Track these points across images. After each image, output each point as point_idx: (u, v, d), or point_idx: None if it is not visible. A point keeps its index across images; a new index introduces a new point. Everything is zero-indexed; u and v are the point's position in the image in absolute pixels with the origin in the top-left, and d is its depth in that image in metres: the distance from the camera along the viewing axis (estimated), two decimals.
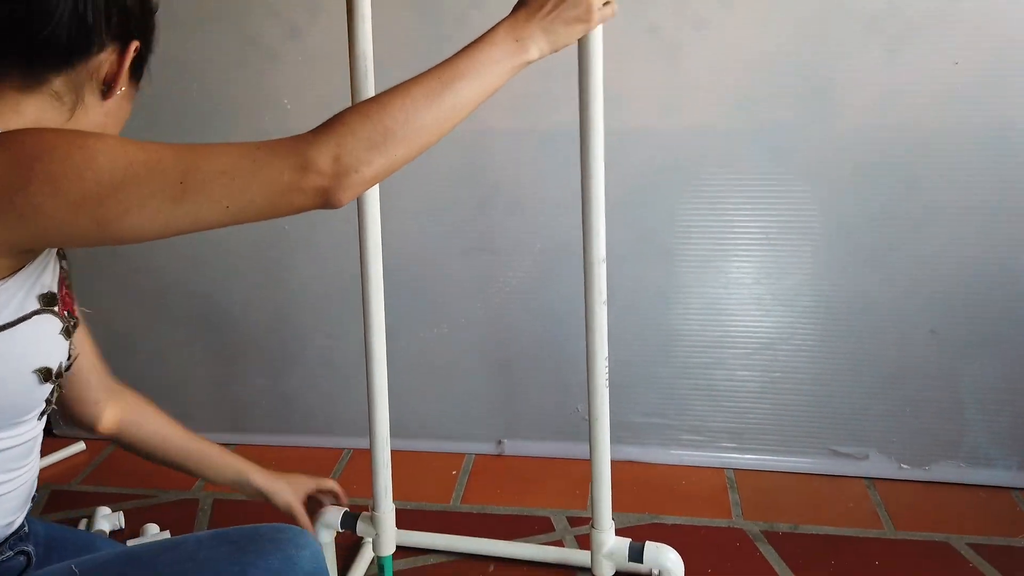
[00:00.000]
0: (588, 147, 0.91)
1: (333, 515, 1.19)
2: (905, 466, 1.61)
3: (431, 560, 1.41)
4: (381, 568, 1.20)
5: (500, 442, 1.74)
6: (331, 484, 1.22)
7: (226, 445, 1.21)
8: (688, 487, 1.61)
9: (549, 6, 0.74)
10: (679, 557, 1.07)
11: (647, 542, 1.07)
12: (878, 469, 1.61)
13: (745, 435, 1.65)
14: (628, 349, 1.61)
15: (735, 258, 1.55)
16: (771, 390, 1.62)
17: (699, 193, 1.52)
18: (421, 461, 1.73)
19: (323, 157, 0.64)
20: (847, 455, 1.62)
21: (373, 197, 1.04)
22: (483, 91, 0.72)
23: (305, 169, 0.63)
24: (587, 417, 1.04)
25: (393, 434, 1.78)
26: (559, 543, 1.45)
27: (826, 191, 1.49)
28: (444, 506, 1.58)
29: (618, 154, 1.35)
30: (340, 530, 1.19)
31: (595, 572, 1.09)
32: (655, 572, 1.31)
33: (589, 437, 1.03)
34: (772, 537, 1.45)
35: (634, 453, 1.69)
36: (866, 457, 1.62)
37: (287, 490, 1.13)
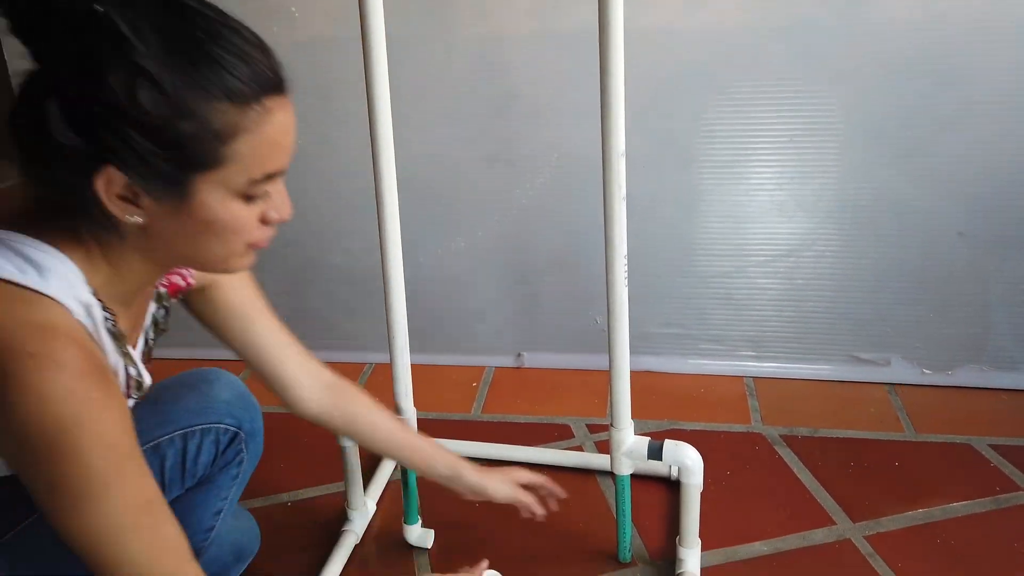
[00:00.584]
0: (607, 46, 0.88)
1: None
2: (928, 371, 1.60)
3: None
4: (404, 473, 1.22)
5: (519, 355, 1.75)
6: (540, 479, 1.14)
7: None
8: (707, 395, 1.61)
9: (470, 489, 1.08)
10: (698, 454, 1.07)
11: (666, 440, 1.07)
12: (900, 375, 1.60)
13: (765, 343, 1.65)
14: (647, 259, 1.59)
15: (758, 162, 1.51)
16: (792, 297, 1.60)
17: (724, 95, 1.47)
18: (441, 374, 1.74)
19: None
20: (869, 361, 1.61)
21: (384, 103, 1.01)
22: None
23: None
24: (606, 328, 1.03)
25: (413, 349, 1.79)
26: (579, 448, 1.47)
27: (853, 90, 1.43)
28: (465, 415, 1.60)
29: (639, 56, 1.30)
30: None
31: (614, 470, 1.10)
32: (674, 472, 1.33)
33: (608, 330, 1.02)
34: (791, 441, 1.45)
35: (653, 363, 1.69)
36: (888, 363, 1.61)
37: (505, 480, 1.09)
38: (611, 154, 0.93)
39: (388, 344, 1.17)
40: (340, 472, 1.26)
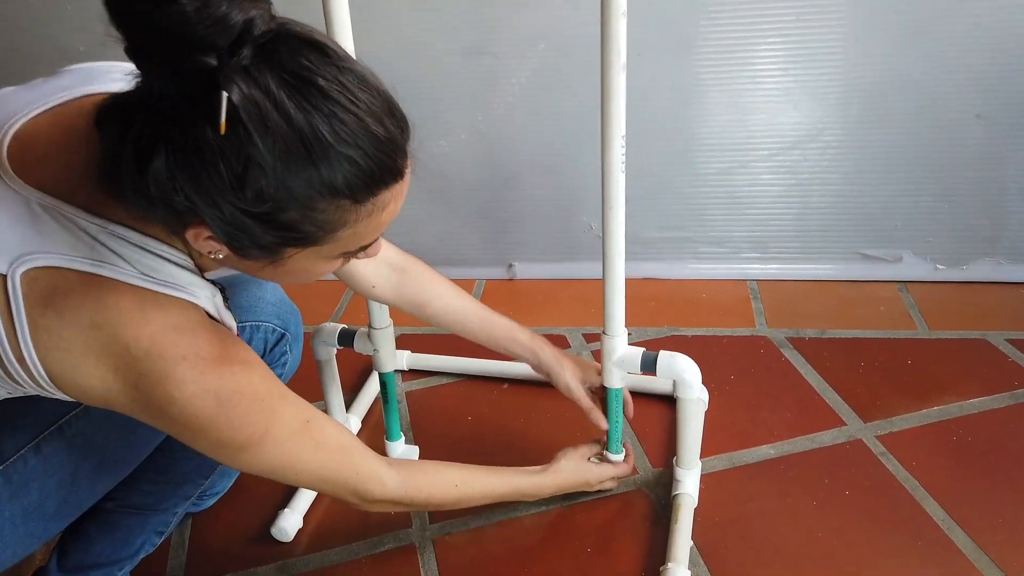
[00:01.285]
0: None
1: (329, 331, 1.13)
2: (941, 266, 1.51)
3: (444, 381, 1.37)
4: (384, 386, 1.15)
5: (511, 265, 1.66)
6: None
7: None
8: (709, 300, 1.53)
9: (563, 487, 1.04)
10: (695, 366, 0.99)
11: (661, 351, 0.99)
12: (912, 271, 1.52)
13: (769, 244, 1.56)
14: (642, 157, 1.48)
15: (763, 45, 1.38)
16: (797, 193, 1.51)
17: None
18: None
19: (379, 506, 0.84)
20: (878, 258, 1.53)
21: None
22: None
23: (360, 504, 0.81)
24: (600, 234, 0.94)
25: None
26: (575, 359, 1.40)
27: None
28: None
29: None
30: (338, 347, 1.14)
31: (604, 381, 1.03)
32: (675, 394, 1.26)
33: (602, 221, 0.93)
34: (798, 343, 1.38)
35: (651, 269, 1.60)
36: (899, 259, 1.52)
37: (572, 370, 1.05)
38: (611, 14, 0.81)
39: None
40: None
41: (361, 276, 0.96)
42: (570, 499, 1.09)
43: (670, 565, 0.95)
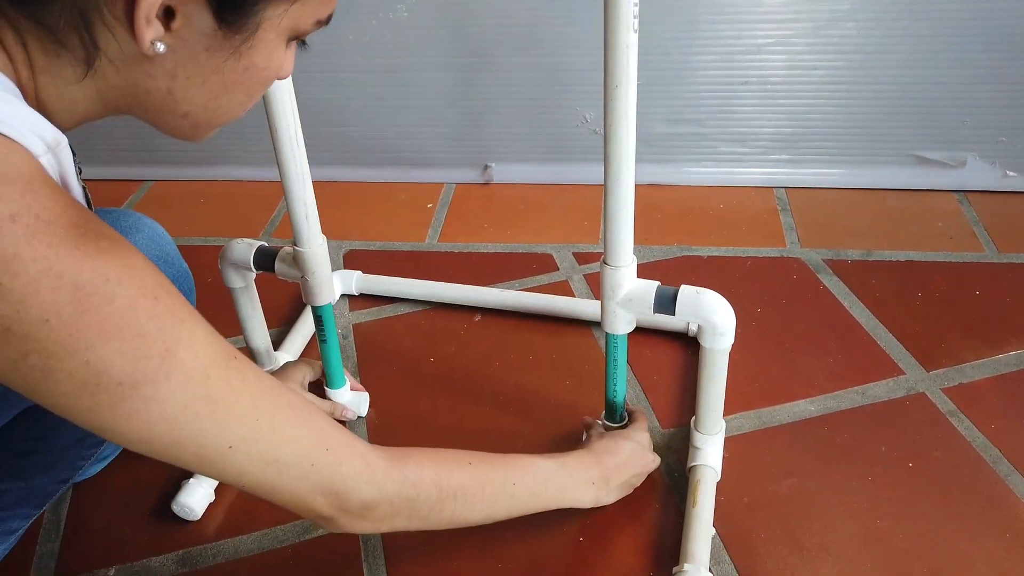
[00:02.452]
0: None
1: (241, 251, 0.85)
2: (1012, 173, 1.24)
3: (401, 310, 1.11)
4: (319, 321, 0.88)
5: (486, 167, 1.37)
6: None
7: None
8: (728, 212, 1.26)
9: (625, 475, 0.78)
10: (729, 309, 0.73)
11: (682, 287, 0.73)
12: (976, 179, 1.25)
13: (802, 143, 1.27)
14: (651, 34, 1.18)
15: None
16: (844, 79, 1.21)
17: None
18: (387, 194, 1.37)
19: (369, 524, 0.59)
20: (938, 163, 1.25)
21: None
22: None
23: (338, 519, 0.57)
24: (599, 129, 0.65)
25: (347, 163, 1.42)
26: (564, 285, 1.14)
27: None
28: (418, 245, 1.25)
29: None
30: (254, 271, 0.86)
31: (606, 327, 0.77)
32: (692, 328, 1.00)
33: (604, 117, 0.65)
34: (838, 266, 1.12)
35: (658, 173, 1.32)
36: (963, 164, 1.25)
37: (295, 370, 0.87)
38: None
39: (276, 160, 0.78)
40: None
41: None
42: None
43: (687, 568, 0.72)
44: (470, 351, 1.03)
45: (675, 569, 0.73)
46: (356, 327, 1.08)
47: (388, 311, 1.11)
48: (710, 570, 0.73)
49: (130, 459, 0.89)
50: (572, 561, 0.77)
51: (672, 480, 0.84)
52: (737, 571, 0.75)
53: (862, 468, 0.84)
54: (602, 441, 0.79)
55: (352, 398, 0.94)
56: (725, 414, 0.90)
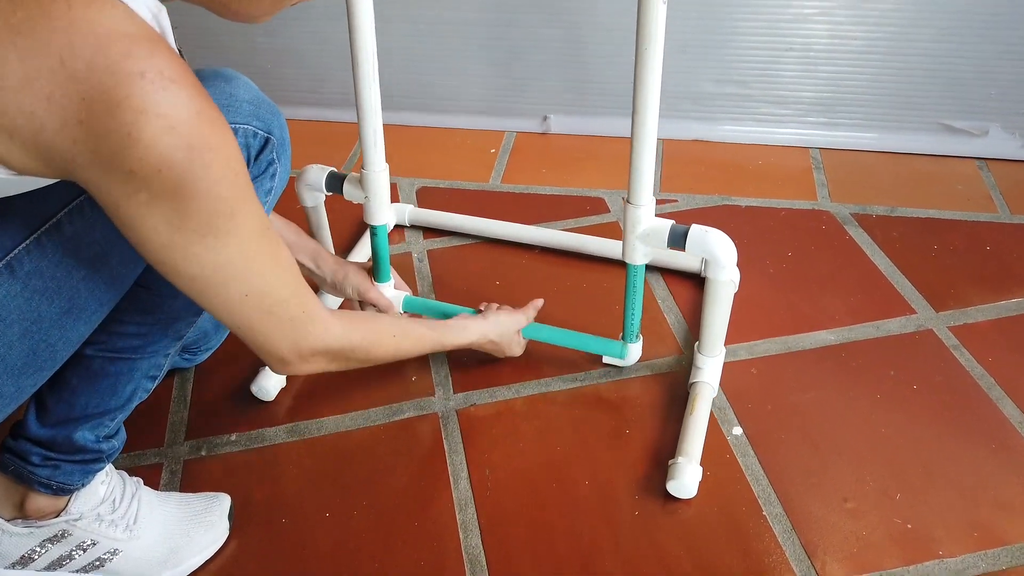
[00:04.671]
0: None
1: (315, 173, 1.00)
2: None
3: (467, 241, 1.24)
4: (374, 237, 1.01)
5: (546, 118, 1.49)
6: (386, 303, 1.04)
7: None
8: (766, 168, 1.38)
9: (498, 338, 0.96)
10: (731, 245, 0.85)
11: (693, 225, 0.85)
12: (997, 147, 1.36)
13: (838, 107, 1.38)
14: (703, 0, 1.29)
15: None
16: (881, 49, 1.32)
17: None
18: (454, 139, 1.50)
19: (310, 365, 0.70)
20: (962, 131, 1.36)
21: None
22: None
23: (291, 360, 0.67)
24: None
25: (415, 108, 1.55)
26: (614, 226, 1.27)
27: None
28: (482, 184, 1.38)
29: None
30: (326, 192, 1.01)
31: (625, 257, 0.90)
32: (702, 268, 1.13)
33: (634, 69, 0.76)
34: (864, 220, 1.24)
35: (702, 130, 1.44)
36: (985, 133, 1.35)
37: (357, 270, 0.99)
38: None
39: (355, 91, 0.91)
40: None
41: None
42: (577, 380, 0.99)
43: (680, 460, 0.85)
44: (531, 277, 1.16)
45: (670, 461, 0.87)
46: (429, 252, 1.22)
47: (455, 241, 1.25)
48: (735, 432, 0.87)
49: (237, 352, 1.04)
50: (586, 460, 0.91)
51: (680, 394, 0.98)
52: (759, 462, 0.89)
53: (872, 388, 0.97)
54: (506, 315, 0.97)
55: (394, 295, 1.07)
56: (756, 339, 1.04)
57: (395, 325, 0.81)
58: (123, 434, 0.75)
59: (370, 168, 0.96)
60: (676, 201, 1.30)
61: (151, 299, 0.68)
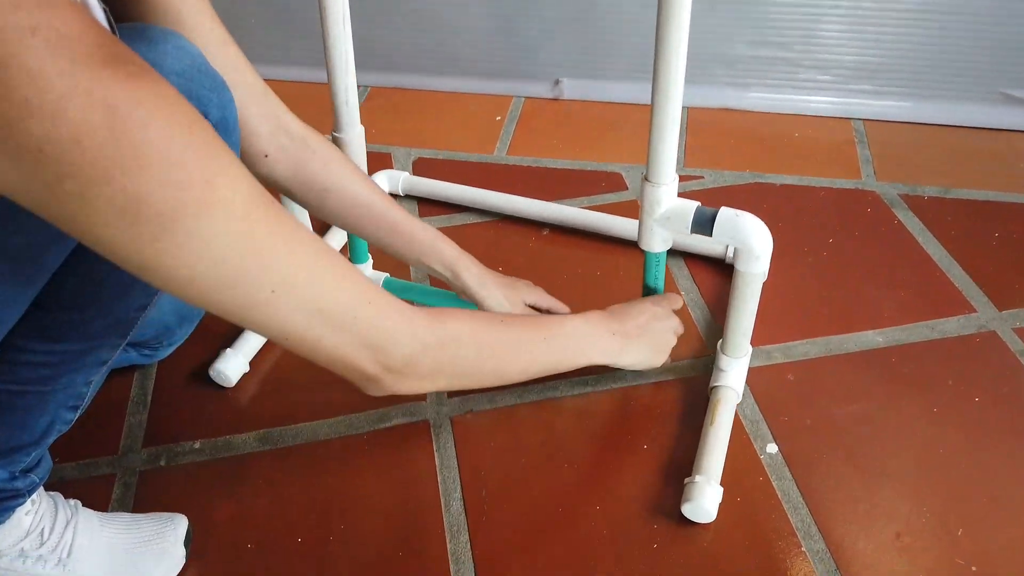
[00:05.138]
0: None
1: None
2: None
3: (470, 220, 1.12)
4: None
5: (558, 82, 1.35)
6: (555, 303, 0.90)
7: None
8: (803, 141, 1.24)
9: (645, 329, 0.80)
10: (767, 233, 0.73)
11: (722, 208, 0.73)
12: None
13: (886, 73, 1.24)
14: None
15: None
16: (933, 9, 1.17)
17: None
18: (455, 105, 1.37)
19: (406, 378, 0.59)
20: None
21: None
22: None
23: (378, 374, 0.57)
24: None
25: (412, 70, 1.41)
26: (633, 204, 1.13)
27: None
28: (485, 156, 1.25)
29: None
30: None
31: (642, 243, 0.78)
32: (729, 254, 1.00)
33: (656, 30, 0.63)
34: (914, 202, 1.11)
35: (732, 98, 1.30)
36: None
37: (509, 298, 0.85)
38: None
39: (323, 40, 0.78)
40: None
41: (251, 139, 0.72)
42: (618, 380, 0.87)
43: (697, 479, 0.74)
44: (538, 263, 1.04)
45: (686, 480, 0.75)
46: None
47: (457, 219, 1.12)
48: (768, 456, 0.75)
49: (208, 339, 0.93)
50: (598, 480, 0.79)
51: (697, 403, 0.86)
52: (797, 486, 0.77)
53: (927, 399, 0.84)
54: (622, 304, 0.82)
55: (372, 276, 0.95)
56: (792, 339, 0.91)
57: (490, 316, 0.69)
58: (47, 462, 0.64)
59: (344, 130, 0.83)
60: (702, 178, 1.17)
61: (54, 322, 0.56)
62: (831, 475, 0.78)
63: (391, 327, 0.56)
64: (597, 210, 1.10)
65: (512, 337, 0.68)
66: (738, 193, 1.14)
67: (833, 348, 0.91)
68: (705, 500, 0.72)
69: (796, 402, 0.85)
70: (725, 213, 0.72)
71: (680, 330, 0.84)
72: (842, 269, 1.00)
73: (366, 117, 1.38)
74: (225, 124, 0.57)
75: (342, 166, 0.78)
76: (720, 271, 1.01)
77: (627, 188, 1.16)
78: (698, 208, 0.73)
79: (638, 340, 0.79)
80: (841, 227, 1.07)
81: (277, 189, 0.77)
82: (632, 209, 1.12)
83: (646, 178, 0.73)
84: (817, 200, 1.12)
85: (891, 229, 1.06)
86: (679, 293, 0.98)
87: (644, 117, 1.31)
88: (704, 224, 0.72)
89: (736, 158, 1.20)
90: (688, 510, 0.73)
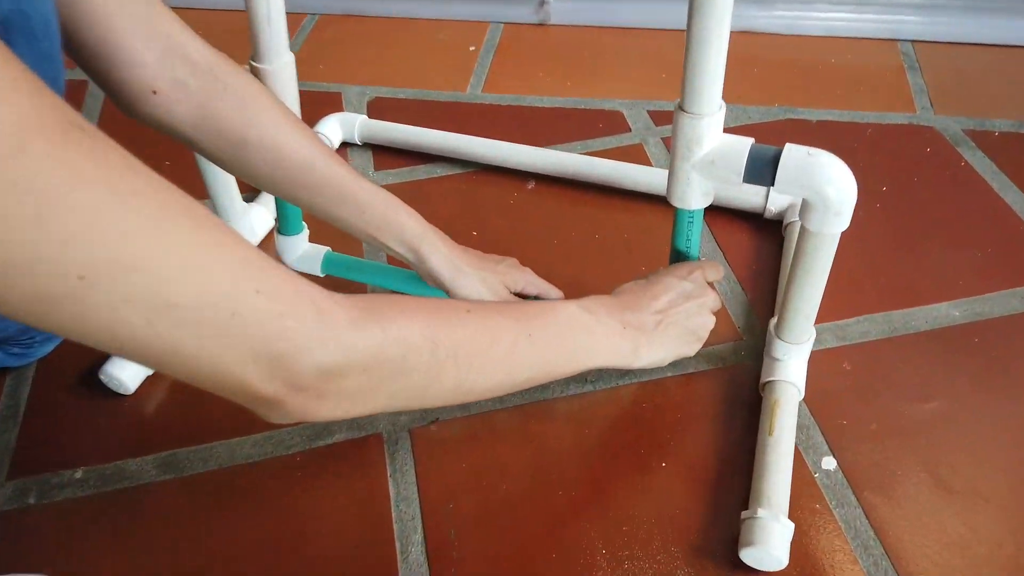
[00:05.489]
0: None
1: None
2: None
3: (439, 171, 0.91)
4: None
5: (542, 3, 1.13)
6: (546, 287, 0.69)
7: None
8: (842, 68, 1.03)
9: (668, 316, 0.60)
10: (851, 178, 0.52)
11: (788, 144, 0.53)
12: None
13: None
14: None
15: None
16: None
17: None
18: (421, 33, 1.15)
19: (324, 408, 0.41)
20: None
21: None
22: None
23: (278, 392, 0.38)
24: None
25: None
26: (637, 149, 0.93)
27: None
28: (457, 96, 1.03)
29: None
30: None
31: (673, 198, 0.58)
32: (771, 207, 0.80)
33: None
34: (983, 139, 0.90)
35: (757, 18, 1.08)
36: None
37: (487, 282, 0.64)
38: None
39: None
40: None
41: (132, 69, 0.51)
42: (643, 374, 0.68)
43: (761, 514, 0.55)
44: (522, 226, 0.83)
45: (744, 514, 0.56)
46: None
47: (421, 172, 0.91)
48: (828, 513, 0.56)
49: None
50: (602, 511, 0.60)
51: (745, 399, 0.66)
52: (865, 514, 0.58)
53: None
54: (636, 281, 0.62)
55: (309, 250, 0.76)
56: (846, 316, 0.72)
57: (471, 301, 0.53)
58: None
59: (266, 59, 0.63)
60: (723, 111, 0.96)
61: None
62: (907, 498, 0.59)
63: (295, 326, 0.37)
64: (593, 156, 0.89)
65: (485, 335, 0.49)
66: (766, 132, 0.93)
67: (898, 327, 0.71)
68: (775, 543, 0.54)
69: (856, 399, 0.66)
70: (793, 152, 0.52)
71: (717, 306, 0.64)
72: (902, 225, 0.80)
73: (314, 51, 1.17)
74: (25, 23, 0.37)
75: (266, 108, 0.58)
76: (752, 226, 0.81)
77: (630, 129, 0.95)
78: (754, 146, 0.53)
79: (661, 332, 0.60)
80: (896, 172, 0.86)
81: (177, 138, 0.57)
82: (636, 155, 0.91)
83: (681, 107, 0.53)
84: (864, 139, 0.91)
85: (958, 173, 0.86)
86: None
87: (648, 43, 1.09)
88: (763, 168, 0.53)
89: (763, 90, 0.99)
90: (751, 556, 0.55)
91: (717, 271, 0.65)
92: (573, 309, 0.56)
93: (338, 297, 0.41)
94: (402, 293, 0.72)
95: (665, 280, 0.62)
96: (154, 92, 0.54)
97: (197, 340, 0.34)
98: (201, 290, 0.33)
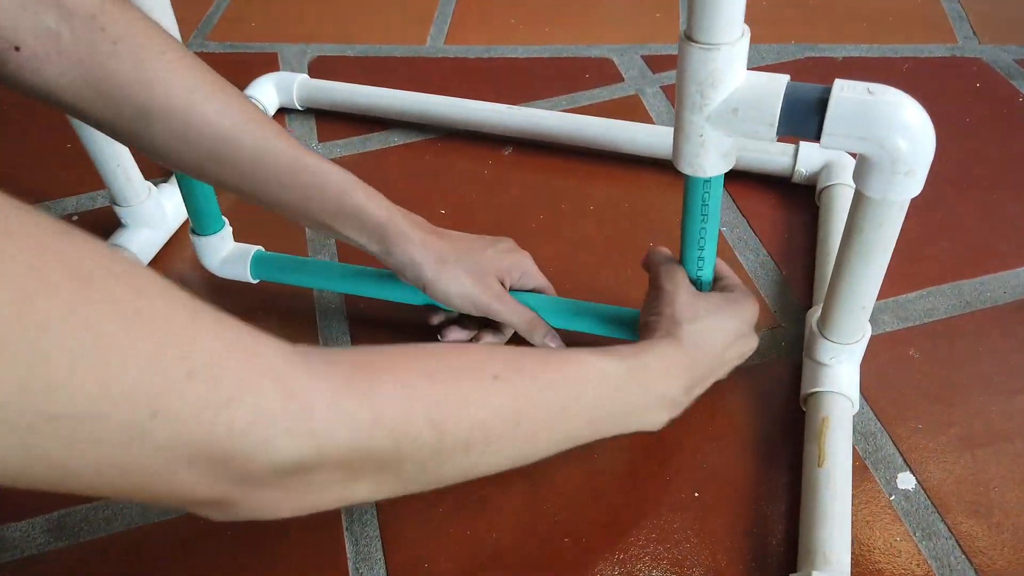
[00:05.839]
0: None
1: None
2: None
3: (396, 139, 0.76)
4: None
5: None
6: (539, 278, 0.55)
7: None
8: None
9: (719, 374, 0.47)
10: (929, 123, 0.38)
11: (837, 81, 0.38)
12: None
13: None
14: None
15: None
16: None
17: None
18: None
19: (276, 503, 0.30)
20: None
21: None
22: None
23: (227, 496, 0.28)
24: None
25: None
26: (633, 101, 0.78)
27: None
28: (416, 49, 0.88)
29: None
30: None
31: (679, 163, 0.43)
32: (802, 168, 0.66)
33: None
34: None
35: None
36: None
37: (467, 286, 0.50)
38: None
39: None
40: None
41: None
42: None
43: None
44: (499, 201, 0.69)
45: None
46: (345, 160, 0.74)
47: (376, 141, 0.76)
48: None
49: None
50: (608, 551, 0.47)
51: (781, 415, 0.52)
52: (959, 545, 0.45)
53: None
54: (691, 320, 0.45)
55: (234, 251, 0.61)
56: (905, 291, 0.58)
57: (498, 356, 0.38)
58: None
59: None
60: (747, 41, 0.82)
61: None
62: (1010, 522, 0.46)
63: (248, 418, 0.27)
64: (581, 113, 0.75)
65: (511, 415, 0.37)
66: (787, 72, 0.78)
67: (971, 300, 0.58)
68: None
69: (930, 397, 0.52)
70: (847, 92, 0.37)
71: (750, 352, 0.50)
72: (959, 176, 0.67)
73: (242, 6, 1.00)
74: None
75: (174, 65, 0.43)
76: (778, 193, 0.67)
77: (623, 79, 0.81)
78: (790, 85, 0.39)
79: (710, 382, 0.48)
80: (944, 115, 0.72)
81: (55, 106, 0.42)
82: (632, 109, 0.77)
83: (689, 36, 0.38)
84: (901, 76, 0.77)
85: (1015, 110, 0.73)
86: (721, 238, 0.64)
87: None
88: (805, 115, 0.38)
89: (775, 25, 0.85)
90: None
91: (753, 303, 0.50)
92: (615, 371, 0.41)
93: (315, 361, 0.29)
94: (386, 304, 0.57)
95: (729, 329, 0.46)
96: (16, 48, 0.39)
97: (100, 455, 0.24)
98: (97, 392, 0.22)
